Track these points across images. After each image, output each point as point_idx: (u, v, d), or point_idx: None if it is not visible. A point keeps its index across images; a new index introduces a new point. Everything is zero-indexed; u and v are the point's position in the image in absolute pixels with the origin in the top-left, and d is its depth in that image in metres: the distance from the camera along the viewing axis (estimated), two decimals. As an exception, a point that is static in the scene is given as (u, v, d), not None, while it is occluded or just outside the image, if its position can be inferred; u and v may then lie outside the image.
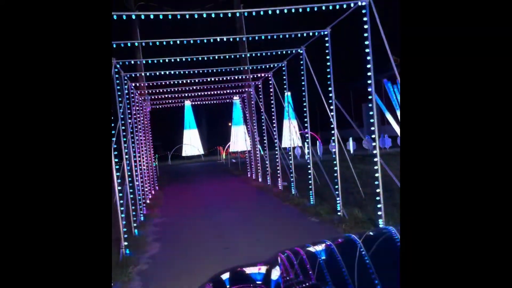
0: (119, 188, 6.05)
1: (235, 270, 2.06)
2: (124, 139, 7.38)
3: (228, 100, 15.24)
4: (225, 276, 1.99)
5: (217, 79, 11.10)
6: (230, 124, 16.11)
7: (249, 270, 2.04)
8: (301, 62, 8.30)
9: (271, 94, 11.19)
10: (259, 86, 12.64)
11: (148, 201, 10.86)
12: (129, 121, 8.46)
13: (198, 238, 6.72)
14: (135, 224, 7.39)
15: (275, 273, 1.87)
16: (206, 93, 13.23)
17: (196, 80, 10.95)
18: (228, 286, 1.91)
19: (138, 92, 11.37)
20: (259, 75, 11.66)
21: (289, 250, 2.03)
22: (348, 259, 1.75)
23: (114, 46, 6.64)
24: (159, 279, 4.94)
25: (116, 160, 6.09)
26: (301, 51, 8.19)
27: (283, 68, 9.84)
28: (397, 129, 10.91)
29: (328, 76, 7.04)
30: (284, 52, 8.67)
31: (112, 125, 6.05)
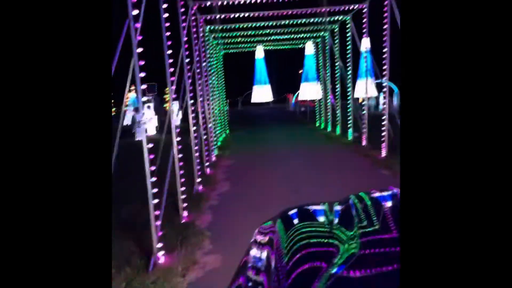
0: (194, 128, 6.34)
1: (306, 207, 2.07)
2: (199, 81, 7.59)
3: (301, 45, 14.72)
4: (296, 212, 2.01)
5: (291, 22, 10.66)
6: (300, 71, 15.70)
7: (320, 208, 2.04)
8: (385, 3, 7.59)
9: (348, 39, 10.55)
10: (335, 30, 11.95)
11: (219, 143, 11.34)
12: (204, 64, 8.63)
13: (265, 180, 6.93)
14: (207, 164, 7.82)
15: (349, 214, 1.86)
16: (279, 37, 12.88)
17: (270, 24, 10.65)
18: (299, 221, 1.93)
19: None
20: (336, 18, 10.95)
21: (357, 194, 2.02)
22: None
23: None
24: (228, 213, 5.25)
25: (192, 101, 6.33)
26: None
27: (364, 11, 9.11)
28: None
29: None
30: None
31: (188, 67, 6.22)
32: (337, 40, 12.06)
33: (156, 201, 3.68)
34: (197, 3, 7.77)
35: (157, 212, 3.75)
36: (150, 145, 3.62)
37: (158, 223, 3.76)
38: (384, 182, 6.46)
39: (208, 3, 8.65)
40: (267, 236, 1.97)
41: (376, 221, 1.71)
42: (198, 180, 6.44)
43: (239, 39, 12.87)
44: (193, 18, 7.59)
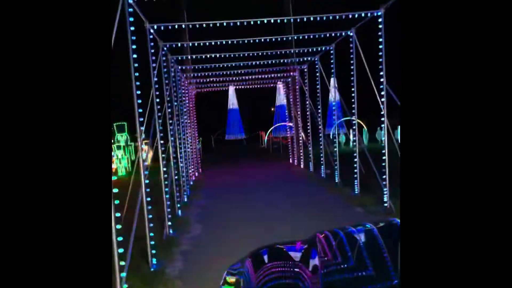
0: (164, 169, 6.16)
1: (274, 247, 2.14)
2: (170, 121, 7.50)
3: (272, 85, 15.06)
4: (264, 252, 2.04)
5: (261, 63, 10.93)
6: (272, 109, 15.96)
7: (287, 248, 2.05)
8: (351, 46, 7.93)
9: (317, 79, 10.88)
10: (305, 70, 12.33)
11: (191, 183, 11.09)
12: (175, 103, 8.59)
13: (239, 220, 6.74)
14: (179, 205, 7.56)
15: (313, 253, 1.89)
16: (250, 77, 13.13)
17: (241, 64, 10.86)
18: (266, 262, 1.91)
19: (185, 75, 11.51)
20: (305, 59, 11.35)
21: (328, 231, 2.07)
22: (391, 244, 1.73)
23: (162, 28, 6.70)
24: (200, 259, 5.00)
25: (162, 142, 6.20)
26: (351, 34, 7.80)
27: (331, 52, 9.48)
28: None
29: (380, 60, 6.66)
30: (332, 35, 8.29)
31: (158, 107, 6.13)
32: (306, 80, 12.42)
33: (121, 250, 3.45)
34: (167, 44, 7.84)
35: (122, 263, 3.50)
36: (115, 191, 3.43)
37: (124, 274, 3.50)
38: (357, 219, 6.43)
39: (179, 44, 8.75)
40: (235, 277, 1.98)
41: (346, 259, 1.70)
42: (169, 223, 6.18)
43: (211, 78, 13.01)
44: (164, 58, 7.62)
